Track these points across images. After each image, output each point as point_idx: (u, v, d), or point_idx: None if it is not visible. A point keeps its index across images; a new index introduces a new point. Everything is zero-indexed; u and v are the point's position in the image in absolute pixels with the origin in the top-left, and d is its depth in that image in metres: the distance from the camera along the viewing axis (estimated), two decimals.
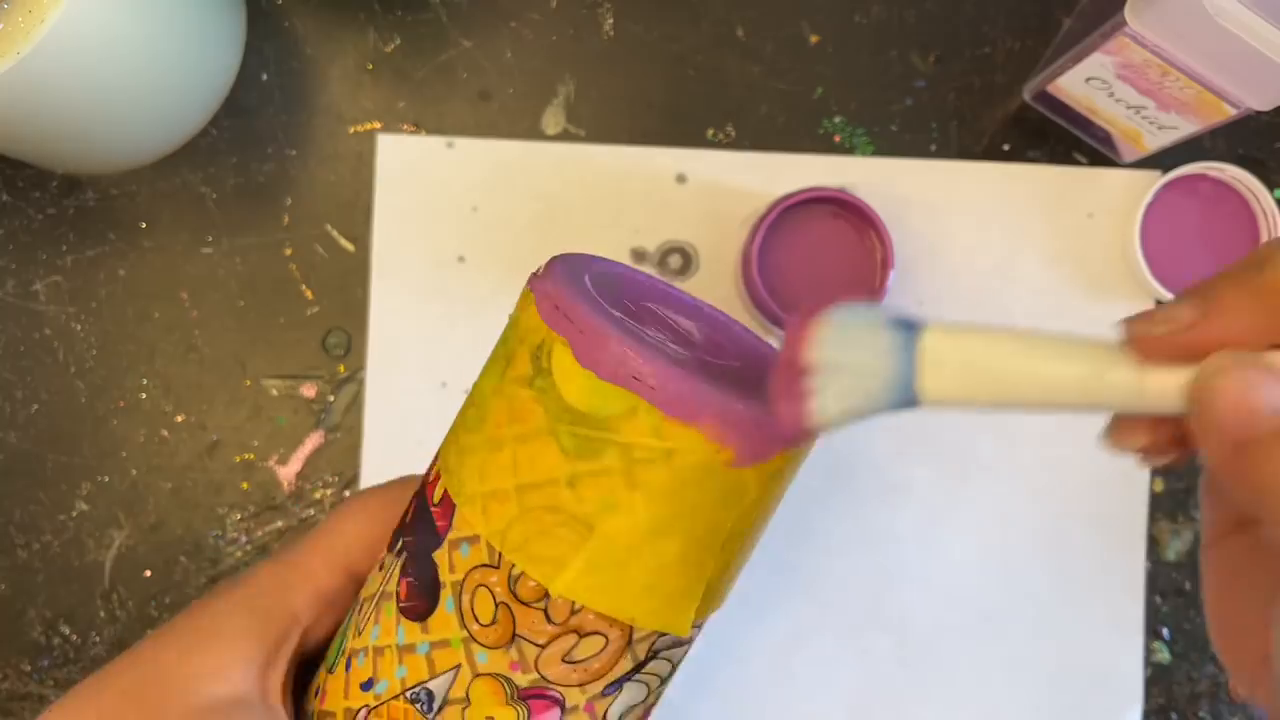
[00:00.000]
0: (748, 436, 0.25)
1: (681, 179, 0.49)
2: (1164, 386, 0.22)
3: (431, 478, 0.29)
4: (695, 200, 0.49)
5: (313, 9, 0.49)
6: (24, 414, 0.49)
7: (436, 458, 0.30)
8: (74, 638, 0.48)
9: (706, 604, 0.27)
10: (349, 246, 0.49)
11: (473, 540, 0.27)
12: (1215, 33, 0.37)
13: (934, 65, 0.49)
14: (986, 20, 0.49)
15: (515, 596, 0.26)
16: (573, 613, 0.26)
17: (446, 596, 0.27)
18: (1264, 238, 0.48)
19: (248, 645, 0.28)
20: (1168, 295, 0.47)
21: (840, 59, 0.49)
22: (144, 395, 0.49)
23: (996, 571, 0.49)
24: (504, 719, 0.27)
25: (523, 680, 0.27)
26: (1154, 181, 0.48)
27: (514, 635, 0.26)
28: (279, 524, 0.49)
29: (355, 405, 0.49)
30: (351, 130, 0.49)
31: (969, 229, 0.49)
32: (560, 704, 0.27)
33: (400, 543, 0.29)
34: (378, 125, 0.49)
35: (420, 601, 0.27)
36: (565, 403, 0.26)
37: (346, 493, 0.49)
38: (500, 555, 0.26)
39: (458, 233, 0.49)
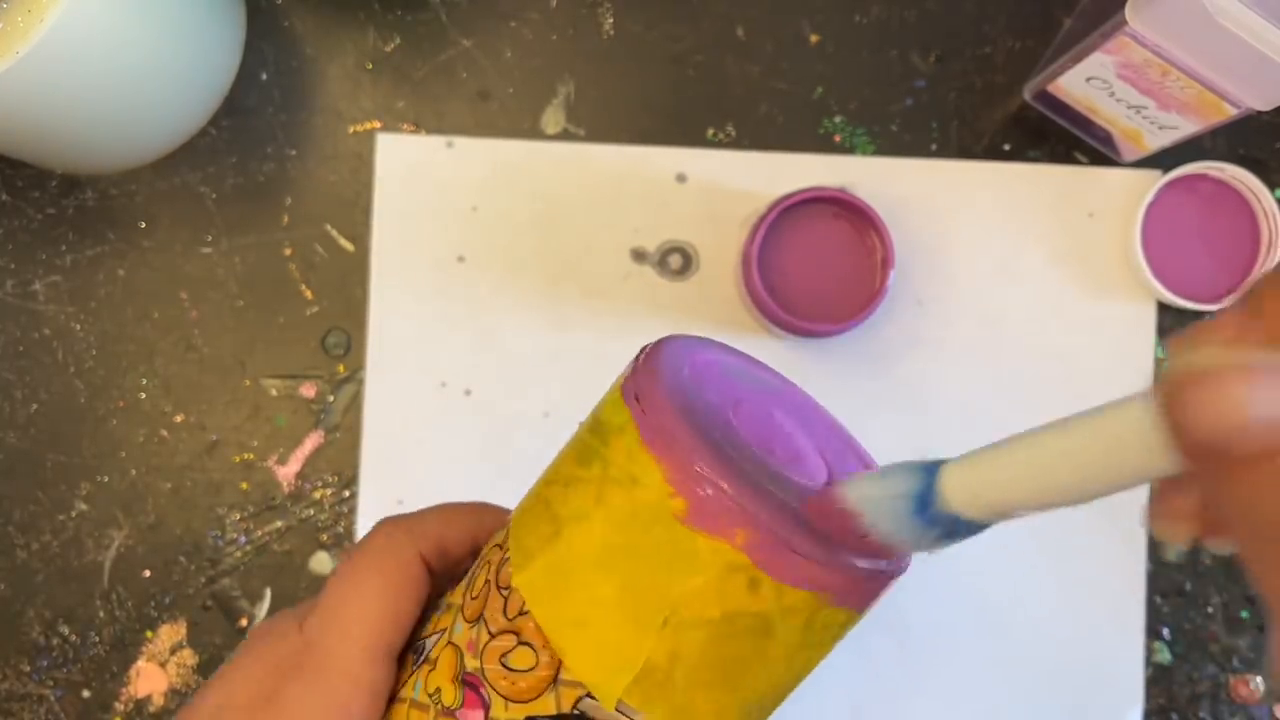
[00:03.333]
0: (705, 497, 0.24)
1: (681, 179, 0.49)
2: None
3: None
4: (695, 200, 0.49)
5: (312, 8, 0.49)
6: (24, 414, 0.49)
7: None
8: (73, 638, 0.48)
9: (644, 691, 0.26)
10: (349, 246, 0.49)
11: (507, 522, 0.28)
12: (1215, 33, 0.37)
13: (934, 65, 0.49)
14: (986, 20, 0.49)
15: (497, 578, 0.27)
16: (520, 613, 0.26)
17: (472, 565, 0.29)
18: (1264, 238, 0.48)
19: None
20: (1168, 294, 0.47)
21: (840, 59, 0.49)
22: (143, 395, 0.49)
23: (996, 571, 0.49)
24: (447, 695, 0.27)
25: (469, 663, 0.27)
26: (1154, 181, 0.48)
27: (481, 615, 0.27)
28: (278, 524, 0.49)
29: (355, 405, 0.49)
30: (351, 130, 0.49)
31: (969, 229, 0.49)
32: (486, 709, 0.27)
33: None
34: (377, 125, 0.49)
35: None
36: (595, 410, 0.27)
37: (346, 493, 0.49)
38: (507, 535, 0.27)
39: (458, 233, 0.49)
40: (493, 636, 0.26)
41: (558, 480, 0.27)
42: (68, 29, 0.38)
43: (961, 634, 0.49)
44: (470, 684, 0.27)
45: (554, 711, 0.27)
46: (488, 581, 0.27)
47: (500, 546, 0.28)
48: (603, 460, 0.25)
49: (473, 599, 0.27)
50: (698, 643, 0.25)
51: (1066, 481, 0.20)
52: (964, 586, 0.49)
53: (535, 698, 0.27)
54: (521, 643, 0.26)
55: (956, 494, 0.22)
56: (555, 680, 0.26)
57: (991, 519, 0.22)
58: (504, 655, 0.27)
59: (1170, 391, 0.18)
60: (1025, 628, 0.49)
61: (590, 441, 0.26)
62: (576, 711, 0.26)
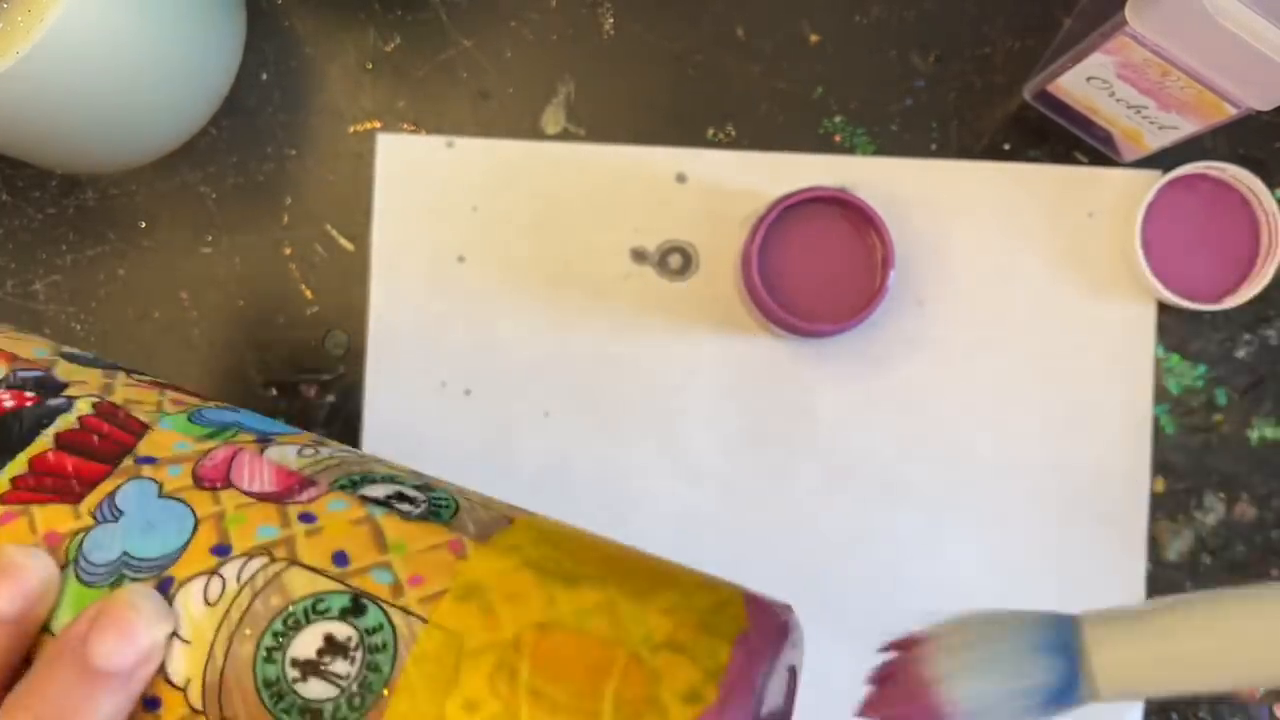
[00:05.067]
0: None
1: (681, 179, 0.49)
2: None
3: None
4: (695, 200, 0.49)
5: (312, 8, 0.49)
6: None
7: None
8: None
9: None
10: (349, 246, 0.49)
11: None
12: (1215, 32, 0.37)
13: (934, 65, 0.49)
14: (986, 20, 0.49)
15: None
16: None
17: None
18: (1264, 237, 0.48)
19: None
20: (1168, 294, 0.47)
21: (840, 59, 0.49)
22: None
23: (996, 571, 0.49)
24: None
25: None
26: (1154, 181, 0.48)
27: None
28: None
29: (355, 405, 0.49)
30: (351, 130, 0.49)
31: (969, 229, 0.49)
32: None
33: None
34: (377, 125, 0.49)
35: None
36: None
37: None
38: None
39: (458, 233, 0.49)
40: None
41: None
42: (68, 29, 0.38)
43: None
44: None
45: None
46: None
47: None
48: None
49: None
50: None
51: (1253, 666, 0.17)
52: (964, 587, 0.49)
53: None
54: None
55: (1109, 678, 0.18)
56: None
57: (1128, 698, 0.18)
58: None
59: None
60: None
61: None
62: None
